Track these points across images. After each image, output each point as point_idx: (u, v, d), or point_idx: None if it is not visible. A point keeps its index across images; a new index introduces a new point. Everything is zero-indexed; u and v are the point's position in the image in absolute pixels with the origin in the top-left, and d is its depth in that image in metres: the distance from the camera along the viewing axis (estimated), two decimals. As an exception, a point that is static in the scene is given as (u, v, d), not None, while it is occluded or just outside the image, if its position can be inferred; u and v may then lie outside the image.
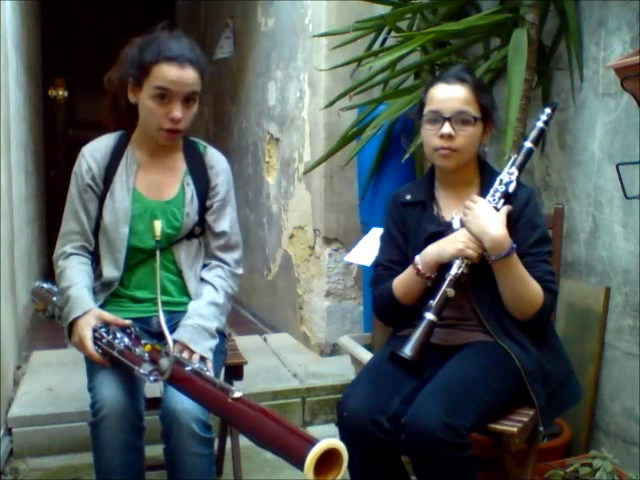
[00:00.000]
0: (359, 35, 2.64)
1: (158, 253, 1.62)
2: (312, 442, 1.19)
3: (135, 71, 1.72)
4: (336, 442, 1.22)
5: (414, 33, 2.46)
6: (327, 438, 1.22)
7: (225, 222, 1.86)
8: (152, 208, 1.80)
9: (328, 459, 1.20)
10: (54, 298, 1.85)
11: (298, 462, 1.19)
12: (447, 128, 1.67)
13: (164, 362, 1.48)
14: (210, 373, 1.53)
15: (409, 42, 2.24)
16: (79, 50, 5.80)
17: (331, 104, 2.72)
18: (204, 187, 1.85)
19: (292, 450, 1.23)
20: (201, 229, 1.86)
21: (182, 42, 1.73)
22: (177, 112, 1.70)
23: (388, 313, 1.82)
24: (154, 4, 5.63)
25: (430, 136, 1.71)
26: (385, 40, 2.73)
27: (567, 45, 2.26)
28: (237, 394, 1.36)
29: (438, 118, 1.69)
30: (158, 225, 1.61)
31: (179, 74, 1.68)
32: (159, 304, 1.51)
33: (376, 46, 2.72)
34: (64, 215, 1.83)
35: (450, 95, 1.69)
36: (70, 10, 5.72)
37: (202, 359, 1.64)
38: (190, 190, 1.83)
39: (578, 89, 2.24)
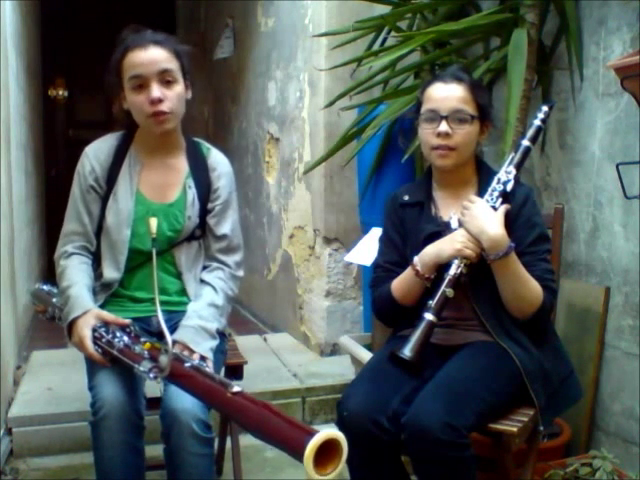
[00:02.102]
0: (359, 35, 2.64)
1: (154, 251, 1.60)
2: (311, 433, 1.20)
3: (113, 76, 1.75)
4: (335, 433, 1.22)
5: (414, 33, 2.46)
6: (326, 429, 1.22)
7: (226, 225, 1.86)
8: (154, 210, 1.79)
9: (327, 451, 1.20)
10: (54, 300, 1.85)
11: (297, 453, 1.19)
12: (444, 126, 1.68)
13: (163, 359, 1.48)
14: (210, 370, 1.53)
15: (409, 42, 2.25)
16: (79, 50, 5.79)
17: (331, 104, 2.72)
18: (206, 190, 1.84)
19: (291, 442, 1.23)
20: (202, 231, 1.86)
21: (146, 32, 1.76)
22: (155, 92, 1.69)
23: (388, 314, 1.82)
24: (154, 4, 5.62)
25: (427, 135, 1.71)
26: (385, 40, 2.73)
27: (567, 45, 2.26)
28: (236, 388, 1.37)
29: (435, 117, 1.69)
30: (154, 222, 1.60)
31: (143, 55, 1.70)
32: (157, 303, 1.51)
33: (376, 46, 2.72)
34: (66, 214, 1.83)
35: (447, 94, 1.70)
36: (70, 10, 5.71)
37: (202, 359, 1.64)
38: (192, 193, 1.82)
39: (578, 89, 2.24)
